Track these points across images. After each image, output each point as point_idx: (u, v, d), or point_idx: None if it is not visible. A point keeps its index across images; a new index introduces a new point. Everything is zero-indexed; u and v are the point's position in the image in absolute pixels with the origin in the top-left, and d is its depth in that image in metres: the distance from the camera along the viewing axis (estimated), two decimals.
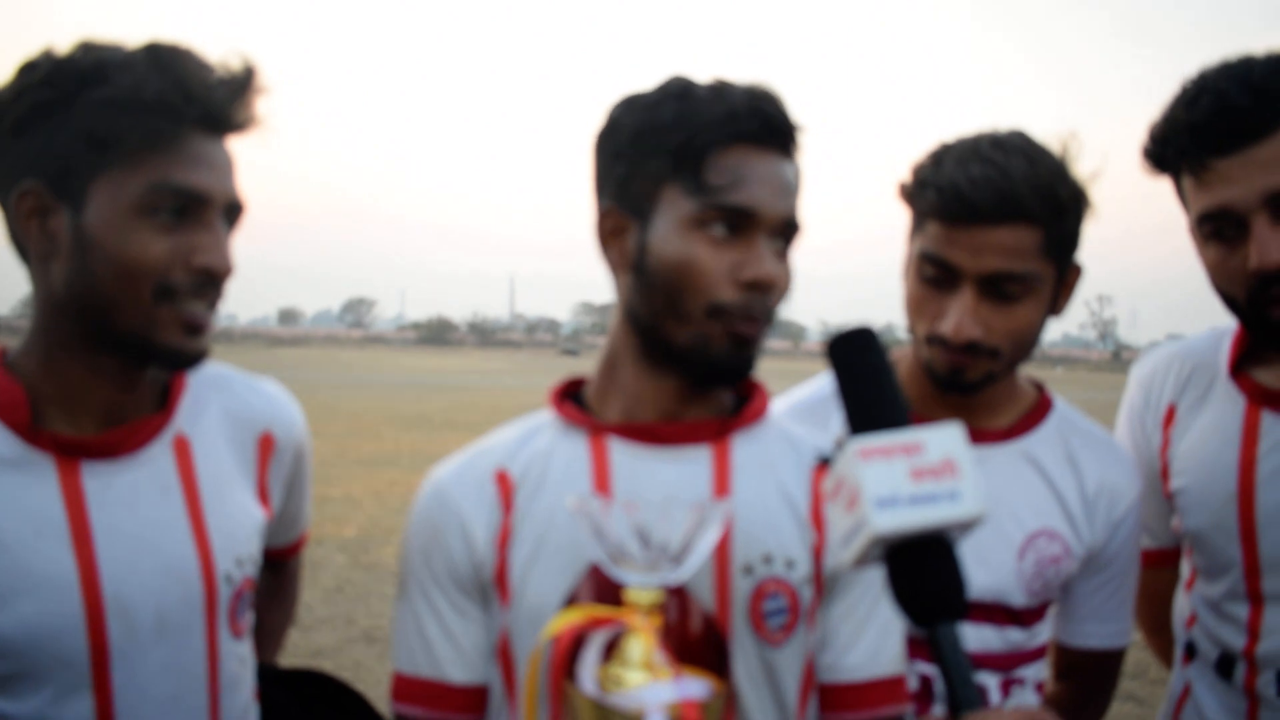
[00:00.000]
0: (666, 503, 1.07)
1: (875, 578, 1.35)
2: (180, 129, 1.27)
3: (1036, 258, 1.52)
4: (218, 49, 1.36)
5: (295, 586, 1.81)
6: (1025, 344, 1.58)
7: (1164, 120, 1.56)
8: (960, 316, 1.51)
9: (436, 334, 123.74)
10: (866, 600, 1.37)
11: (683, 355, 1.33)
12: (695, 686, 1.08)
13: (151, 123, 1.25)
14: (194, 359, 1.34)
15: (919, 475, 0.95)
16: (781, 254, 1.34)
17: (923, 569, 0.96)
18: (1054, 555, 1.62)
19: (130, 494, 1.34)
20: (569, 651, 1.11)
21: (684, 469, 1.35)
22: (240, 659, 1.44)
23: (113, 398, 1.34)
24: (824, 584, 1.36)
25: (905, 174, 1.64)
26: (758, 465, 1.37)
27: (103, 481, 1.32)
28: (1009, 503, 1.61)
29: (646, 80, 1.40)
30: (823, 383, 1.75)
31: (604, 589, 1.20)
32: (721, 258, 1.28)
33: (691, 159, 1.29)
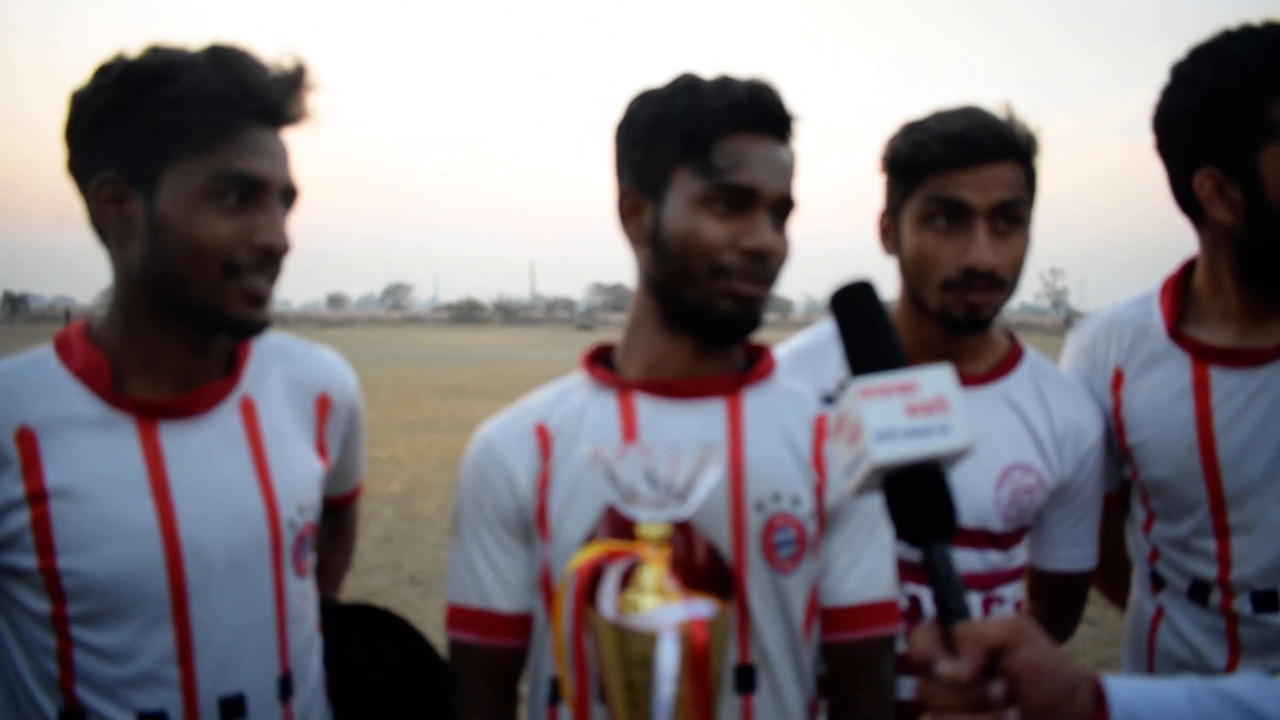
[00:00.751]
0: (671, 447, 1.11)
1: (870, 513, 1.40)
2: (240, 121, 1.31)
3: (1025, 189, 1.62)
4: (272, 48, 1.36)
5: (353, 532, 1.84)
6: (1020, 274, 1.66)
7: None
8: (982, 247, 1.57)
9: (467, 314, 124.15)
10: (862, 533, 1.41)
11: (694, 314, 1.37)
12: (701, 608, 1.12)
13: (215, 116, 1.29)
14: (257, 328, 1.38)
15: (914, 411, 0.93)
16: (778, 227, 1.38)
17: (917, 495, 0.95)
18: (1028, 486, 1.67)
19: (202, 450, 1.37)
20: (589, 581, 1.15)
21: (702, 419, 1.39)
22: (304, 595, 1.49)
23: (186, 364, 1.38)
24: (825, 518, 1.40)
25: (886, 150, 1.68)
26: (766, 416, 1.41)
27: (178, 439, 1.36)
28: (988, 439, 1.66)
29: (656, 77, 1.42)
30: (818, 332, 1.81)
31: (619, 526, 1.24)
32: (725, 229, 1.33)
33: (699, 145, 1.33)
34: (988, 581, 1.67)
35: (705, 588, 1.19)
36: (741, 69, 1.38)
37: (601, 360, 1.48)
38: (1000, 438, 1.67)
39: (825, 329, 1.78)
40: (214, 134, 1.28)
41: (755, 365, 1.46)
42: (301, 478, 1.46)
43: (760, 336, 1.45)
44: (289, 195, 1.37)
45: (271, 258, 1.34)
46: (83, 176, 1.33)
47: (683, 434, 1.35)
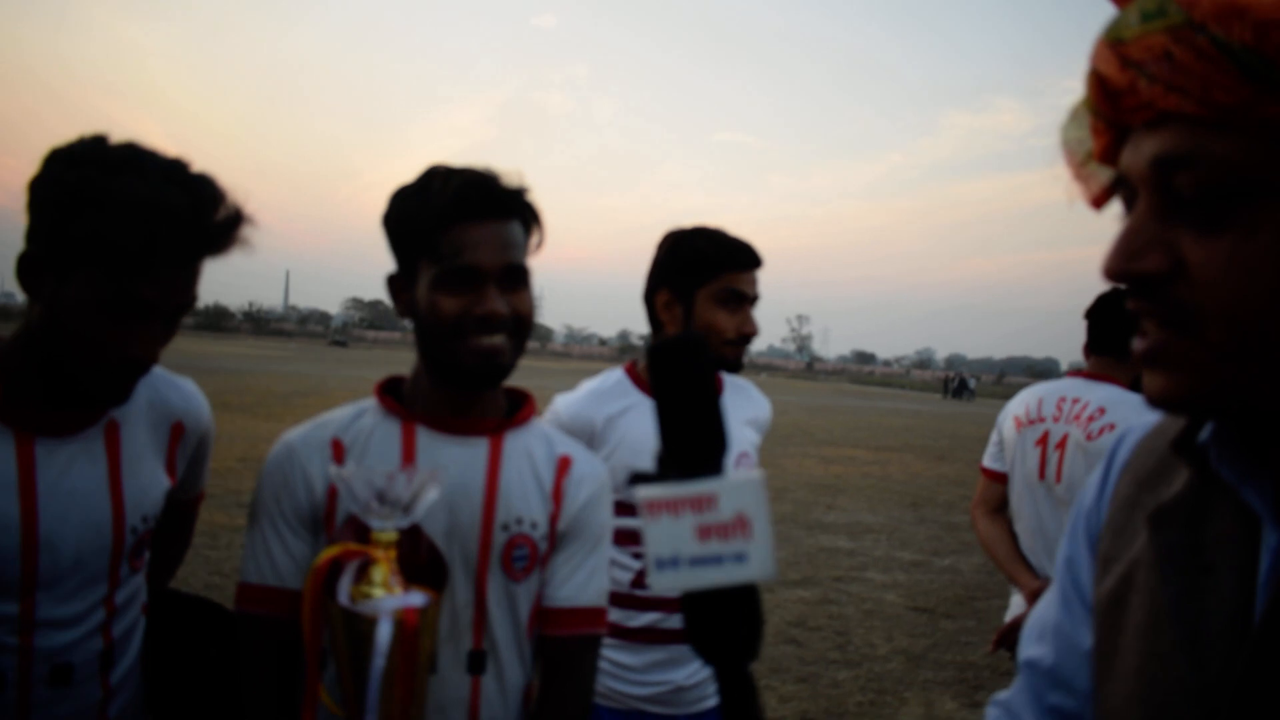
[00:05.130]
0: (395, 471, 1.33)
1: (591, 536, 1.70)
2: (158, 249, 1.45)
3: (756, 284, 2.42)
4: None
5: (190, 530, 2.01)
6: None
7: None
8: (751, 320, 2.33)
9: (213, 321, 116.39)
10: (581, 552, 1.69)
11: (447, 370, 1.61)
12: (416, 598, 1.34)
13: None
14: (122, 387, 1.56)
15: (706, 533, 0.76)
16: (511, 290, 1.59)
17: (710, 616, 0.78)
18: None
19: (67, 463, 1.55)
20: (326, 575, 1.35)
21: (468, 452, 1.63)
22: (134, 586, 1.70)
23: (64, 389, 1.54)
24: (556, 539, 1.68)
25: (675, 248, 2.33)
26: (519, 455, 1.67)
27: (49, 451, 1.54)
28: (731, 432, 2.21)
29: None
30: (609, 374, 2.44)
31: (360, 530, 1.45)
32: (458, 303, 1.56)
33: (429, 239, 1.56)
34: None
35: (425, 581, 1.42)
36: (478, 158, 1.63)
37: (392, 391, 1.71)
38: (736, 434, 2.28)
39: (615, 372, 2.37)
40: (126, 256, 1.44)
41: (518, 413, 1.72)
42: (148, 492, 1.65)
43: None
44: (179, 311, 1.55)
45: (138, 363, 1.52)
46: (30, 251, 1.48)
47: (451, 462, 1.60)
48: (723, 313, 2.28)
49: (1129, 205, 0.78)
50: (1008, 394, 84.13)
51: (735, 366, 2.37)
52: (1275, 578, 0.75)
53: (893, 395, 70.15)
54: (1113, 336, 3.18)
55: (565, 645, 1.68)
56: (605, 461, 2.28)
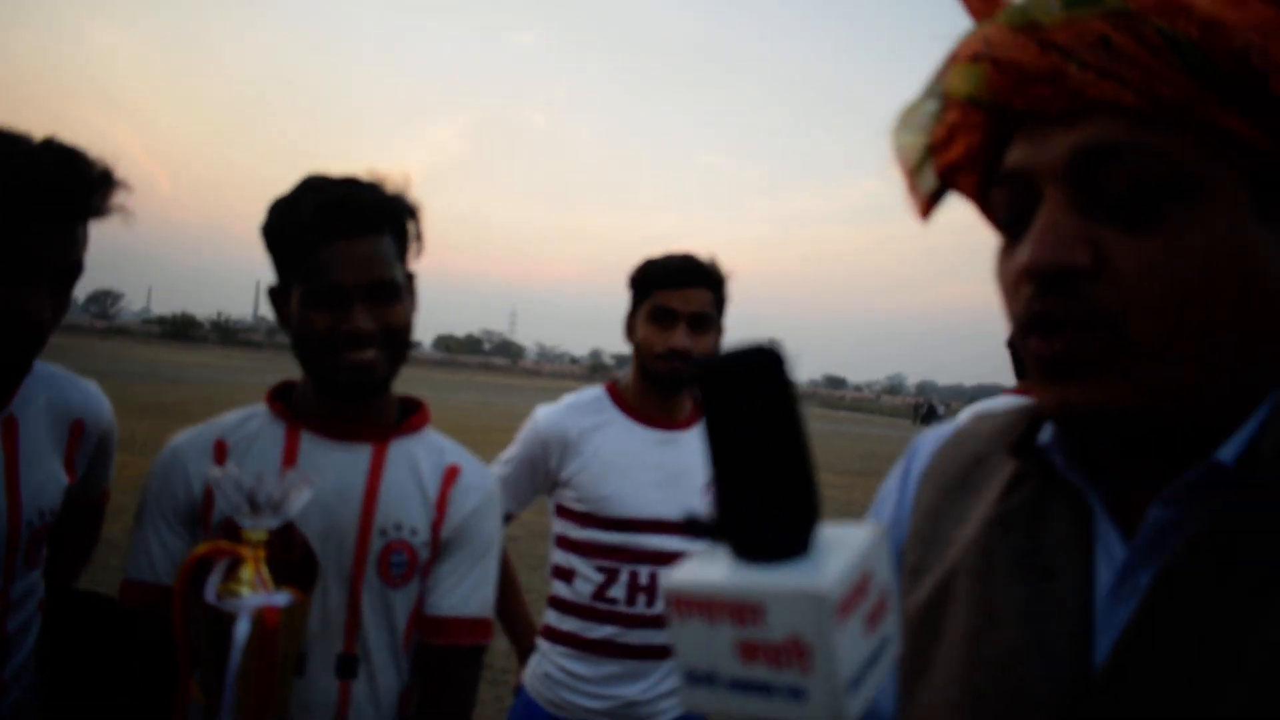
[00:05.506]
0: (264, 473, 1.36)
1: (477, 547, 1.70)
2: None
3: (713, 305, 2.42)
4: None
5: (96, 530, 2.03)
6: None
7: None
8: (681, 336, 2.35)
9: (181, 330, 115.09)
10: (466, 563, 1.70)
11: (323, 384, 1.65)
12: (280, 597, 1.36)
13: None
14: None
15: (749, 653, 0.52)
16: (378, 306, 1.59)
17: None
18: None
19: None
20: (193, 572, 1.38)
21: (350, 457, 1.65)
22: (31, 582, 1.70)
23: None
24: (439, 547, 1.68)
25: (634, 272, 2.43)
26: (404, 462, 1.68)
27: None
28: (699, 465, 2.33)
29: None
30: (588, 390, 2.53)
31: (232, 529, 1.47)
32: (326, 319, 1.58)
33: (295, 259, 1.60)
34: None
35: (296, 579, 1.45)
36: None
37: (283, 396, 1.73)
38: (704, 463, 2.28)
39: (596, 389, 2.50)
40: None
41: (406, 421, 1.73)
42: (44, 488, 1.66)
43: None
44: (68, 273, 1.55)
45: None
46: None
47: (332, 466, 1.62)
48: (652, 328, 2.38)
49: (1011, 206, 0.76)
50: None
51: (667, 382, 2.40)
52: (1116, 599, 0.74)
53: (862, 420, 70.30)
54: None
55: (445, 655, 1.68)
56: (576, 475, 2.38)
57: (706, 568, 0.54)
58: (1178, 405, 0.71)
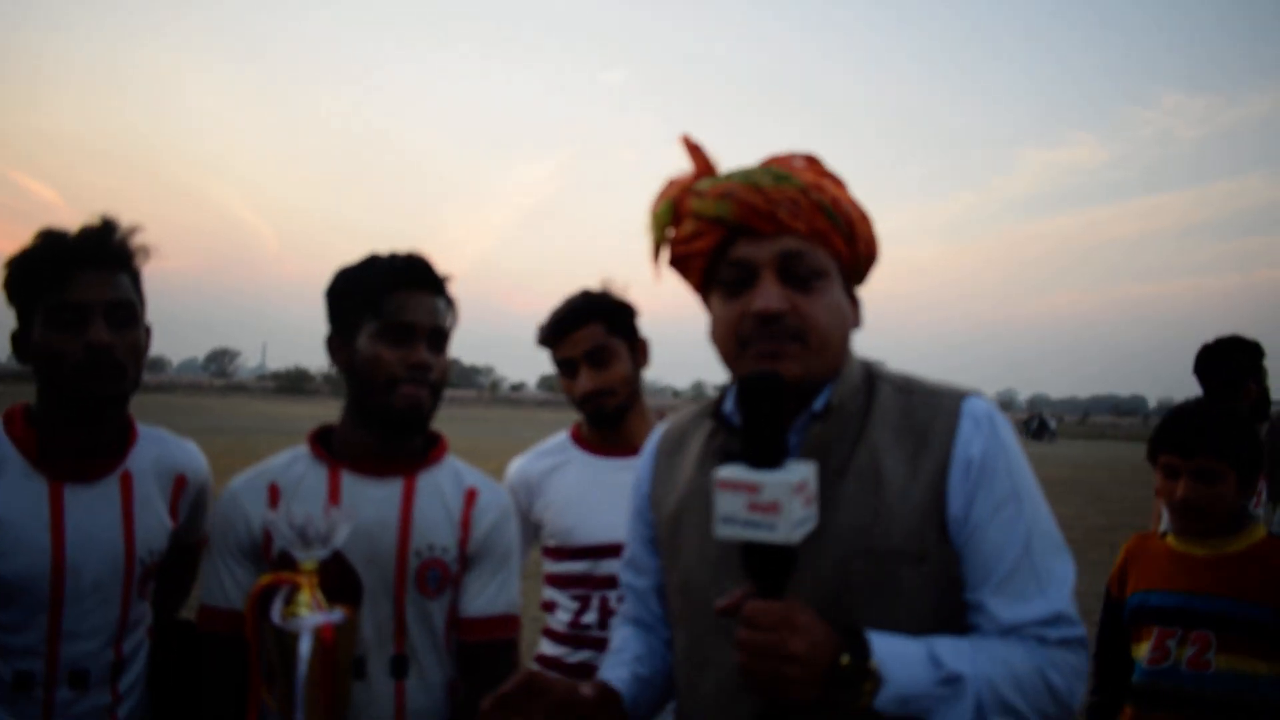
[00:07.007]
0: (312, 513, 1.61)
1: (498, 555, 1.96)
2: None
3: (606, 336, 2.55)
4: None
5: (194, 569, 2.28)
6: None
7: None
8: (584, 380, 2.52)
9: (295, 383, 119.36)
10: (490, 570, 1.97)
11: (377, 414, 1.89)
12: (334, 615, 1.61)
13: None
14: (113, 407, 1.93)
15: (753, 508, 1.17)
16: (436, 351, 1.91)
17: (759, 562, 1.22)
18: None
19: (90, 504, 1.89)
20: (260, 598, 1.63)
21: (385, 492, 1.90)
22: (142, 611, 1.99)
23: (87, 443, 1.91)
24: (467, 560, 1.95)
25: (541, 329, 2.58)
26: (431, 490, 1.95)
27: (76, 495, 1.88)
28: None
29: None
30: (555, 436, 2.68)
31: (288, 560, 1.72)
32: (395, 353, 1.86)
33: (374, 299, 1.89)
34: None
35: (345, 599, 1.69)
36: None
37: (322, 439, 1.98)
38: None
39: (561, 434, 2.66)
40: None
41: (429, 454, 1.99)
42: (154, 531, 1.97)
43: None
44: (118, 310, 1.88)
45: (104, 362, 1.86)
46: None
47: (370, 501, 1.86)
48: (565, 381, 2.60)
49: (736, 279, 1.43)
50: (1091, 434, 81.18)
51: (597, 419, 2.56)
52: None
53: None
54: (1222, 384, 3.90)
55: (481, 649, 1.94)
56: (544, 513, 2.58)
57: (735, 470, 1.19)
58: (820, 376, 1.44)
